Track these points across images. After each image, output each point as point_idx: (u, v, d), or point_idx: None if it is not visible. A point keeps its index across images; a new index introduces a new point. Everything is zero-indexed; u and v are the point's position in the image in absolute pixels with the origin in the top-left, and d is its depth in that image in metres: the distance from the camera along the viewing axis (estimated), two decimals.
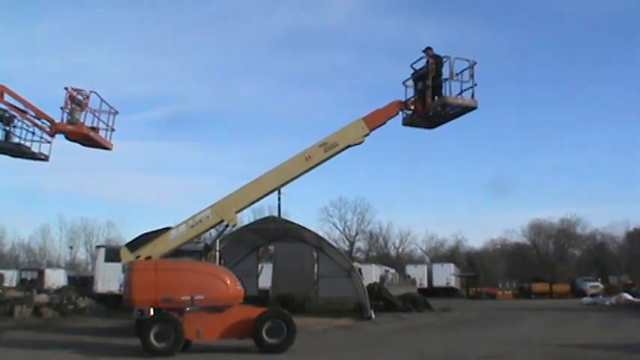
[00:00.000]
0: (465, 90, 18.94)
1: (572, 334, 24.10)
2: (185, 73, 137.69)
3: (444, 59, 19.19)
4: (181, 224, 18.57)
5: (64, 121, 21.18)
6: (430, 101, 19.39)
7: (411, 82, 19.97)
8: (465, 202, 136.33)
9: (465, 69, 18.93)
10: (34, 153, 22.62)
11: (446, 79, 19.26)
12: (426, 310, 37.50)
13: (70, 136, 21.55)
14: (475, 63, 18.93)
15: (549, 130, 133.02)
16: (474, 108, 19.18)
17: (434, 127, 20.68)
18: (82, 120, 21.46)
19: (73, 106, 21.32)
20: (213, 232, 20.58)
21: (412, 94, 19.87)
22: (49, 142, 22.44)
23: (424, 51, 19.79)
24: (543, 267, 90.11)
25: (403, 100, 19.74)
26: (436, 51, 19.73)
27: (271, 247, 44.53)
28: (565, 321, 31.05)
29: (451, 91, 18.99)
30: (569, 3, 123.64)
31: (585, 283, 63.56)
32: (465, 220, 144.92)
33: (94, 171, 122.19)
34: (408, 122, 20.07)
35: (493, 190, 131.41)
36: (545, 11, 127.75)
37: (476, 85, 18.86)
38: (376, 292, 37.57)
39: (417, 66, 19.84)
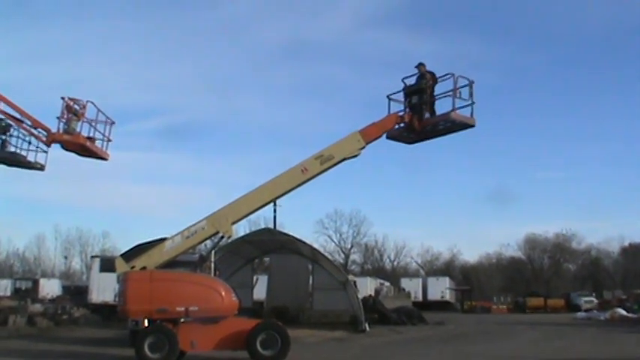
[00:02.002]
0: (462, 107, 19.10)
1: (566, 349, 24.11)
2: (182, 83, 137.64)
3: (448, 76, 19.26)
4: (177, 235, 18.55)
5: (61, 131, 21.26)
6: (427, 116, 19.56)
7: (396, 96, 20.01)
8: (460, 216, 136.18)
9: (463, 86, 19.04)
10: (30, 162, 22.68)
11: (437, 96, 19.58)
12: (420, 324, 37.45)
13: (67, 146, 21.62)
14: (473, 82, 19.09)
15: (545, 144, 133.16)
16: (472, 126, 19.34)
17: (415, 143, 20.79)
18: (78, 130, 21.54)
19: (70, 115, 21.41)
20: (208, 243, 20.58)
21: (401, 108, 19.92)
22: (46, 152, 22.53)
23: (417, 66, 19.95)
24: (538, 281, 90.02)
25: (400, 113, 19.79)
26: (434, 65, 19.90)
27: (266, 259, 44.53)
28: (559, 336, 31.02)
29: (454, 106, 19.12)
30: (568, 18, 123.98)
31: (580, 298, 63.43)
32: (461, 233, 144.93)
33: (90, 181, 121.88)
34: (392, 135, 20.08)
35: (489, 204, 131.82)
36: (543, 25, 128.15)
37: (474, 103, 19.04)
38: (371, 304, 37.54)
39: (409, 80, 19.99)
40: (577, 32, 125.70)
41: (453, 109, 18.97)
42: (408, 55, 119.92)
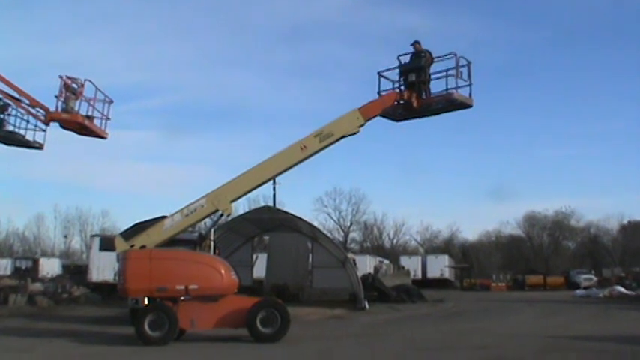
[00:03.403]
0: (460, 87, 19.35)
1: (565, 326, 24.20)
2: (182, 63, 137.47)
3: (450, 55, 19.35)
4: (176, 213, 18.57)
5: (59, 110, 21.18)
6: (424, 95, 19.65)
7: (386, 73, 20.18)
8: (459, 193, 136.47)
9: (463, 66, 19.22)
10: (28, 141, 22.65)
11: (432, 75, 19.83)
12: (419, 301, 37.57)
13: (65, 125, 21.56)
14: (471, 62, 19.38)
15: (545, 122, 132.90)
16: (470, 106, 19.64)
17: (403, 121, 20.95)
18: (76, 108, 21.48)
19: (68, 94, 21.31)
20: (208, 221, 20.59)
21: (390, 86, 20.12)
22: (44, 131, 22.49)
23: (412, 44, 20.03)
24: (537, 259, 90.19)
25: (396, 90, 19.85)
26: (433, 43, 19.98)
27: (266, 237, 44.59)
28: (558, 313, 31.16)
29: (456, 85, 19.27)
30: None
31: (579, 276, 63.58)
32: (460, 211, 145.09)
33: (89, 160, 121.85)
34: (384, 112, 20.06)
35: (488, 182, 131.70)
36: (544, 1, 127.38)
37: (472, 83, 19.36)
38: (370, 282, 37.54)
39: (404, 58, 20.07)
40: (578, 9, 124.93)
41: (455, 88, 19.23)
42: (408, 32, 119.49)
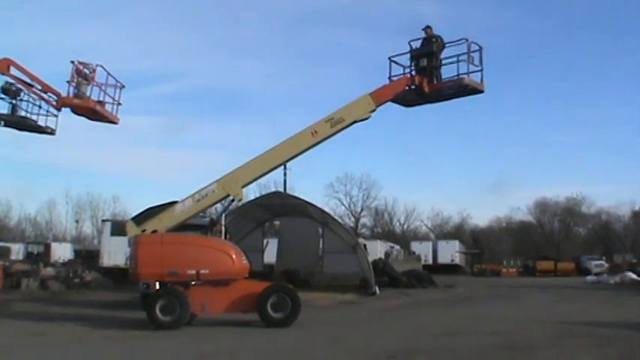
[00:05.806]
0: (472, 72, 19.35)
1: (576, 312, 24.16)
2: (195, 48, 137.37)
3: (461, 40, 19.38)
4: (187, 198, 18.60)
5: (71, 95, 21.25)
6: (435, 80, 19.62)
7: (397, 58, 20.20)
8: (470, 179, 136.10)
9: (474, 51, 19.30)
10: (40, 127, 22.75)
11: (443, 60, 19.83)
12: (430, 287, 37.59)
13: (77, 110, 21.64)
14: (482, 48, 19.41)
15: (556, 108, 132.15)
16: (481, 92, 19.65)
17: (413, 106, 21.00)
18: (88, 94, 21.53)
19: (80, 79, 21.37)
20: (219, 206, 20.65)
21: (401, 71, 20.13)
22: (56, 116, 22.57)
23: (424, 29, 19.99)
24: (548, 245, 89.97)
25: (408, 75, 19.82)
26: (443, 30, 19.97)
27: (277, 223, 44.60)
28: (569, 299, 31.11)
29: (468, 70, 19.30)
30: None
31: (590, 262, 63.47)
32: (471, 197, 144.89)
33: (100, 145, 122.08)
34: (394, 98, 20.05)
35: (499, 169, 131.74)
36: None
37: (483, 69, 19.37)
38: (381, 268, 37.56)
39: (415, 43, 20.10)
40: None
41: (467, 74, 19.26)
42: (416, 19, 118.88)
